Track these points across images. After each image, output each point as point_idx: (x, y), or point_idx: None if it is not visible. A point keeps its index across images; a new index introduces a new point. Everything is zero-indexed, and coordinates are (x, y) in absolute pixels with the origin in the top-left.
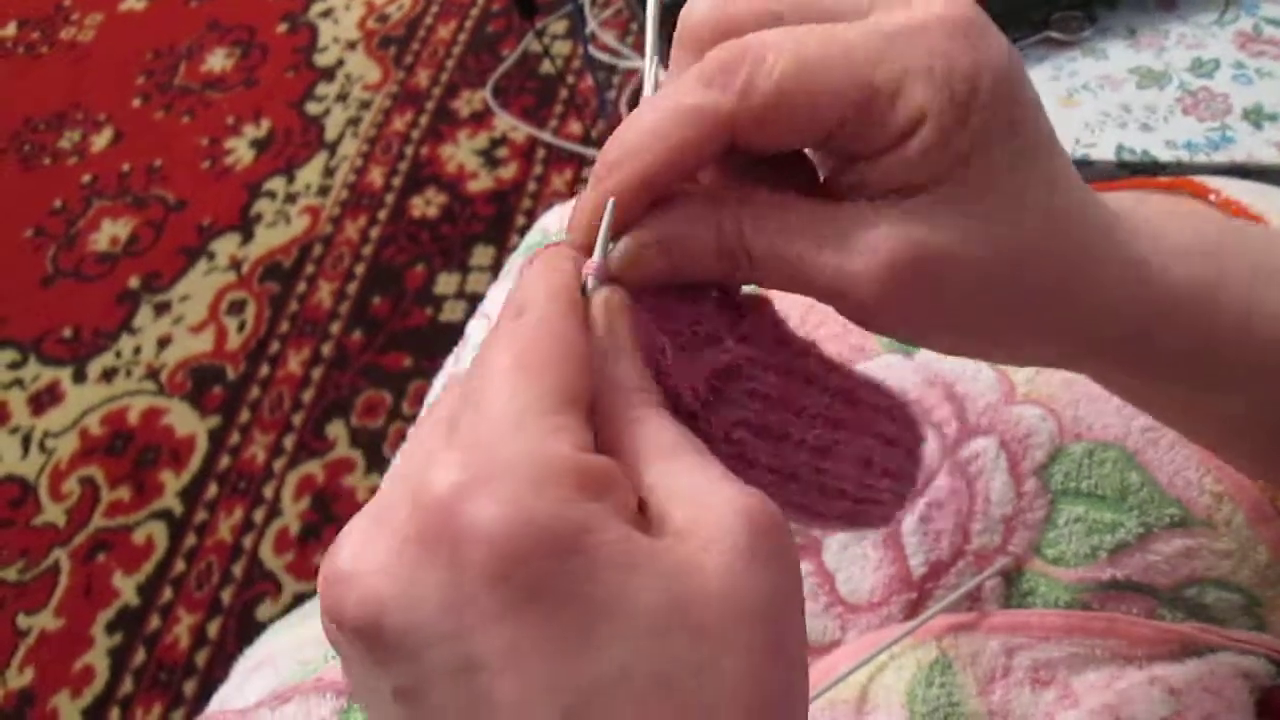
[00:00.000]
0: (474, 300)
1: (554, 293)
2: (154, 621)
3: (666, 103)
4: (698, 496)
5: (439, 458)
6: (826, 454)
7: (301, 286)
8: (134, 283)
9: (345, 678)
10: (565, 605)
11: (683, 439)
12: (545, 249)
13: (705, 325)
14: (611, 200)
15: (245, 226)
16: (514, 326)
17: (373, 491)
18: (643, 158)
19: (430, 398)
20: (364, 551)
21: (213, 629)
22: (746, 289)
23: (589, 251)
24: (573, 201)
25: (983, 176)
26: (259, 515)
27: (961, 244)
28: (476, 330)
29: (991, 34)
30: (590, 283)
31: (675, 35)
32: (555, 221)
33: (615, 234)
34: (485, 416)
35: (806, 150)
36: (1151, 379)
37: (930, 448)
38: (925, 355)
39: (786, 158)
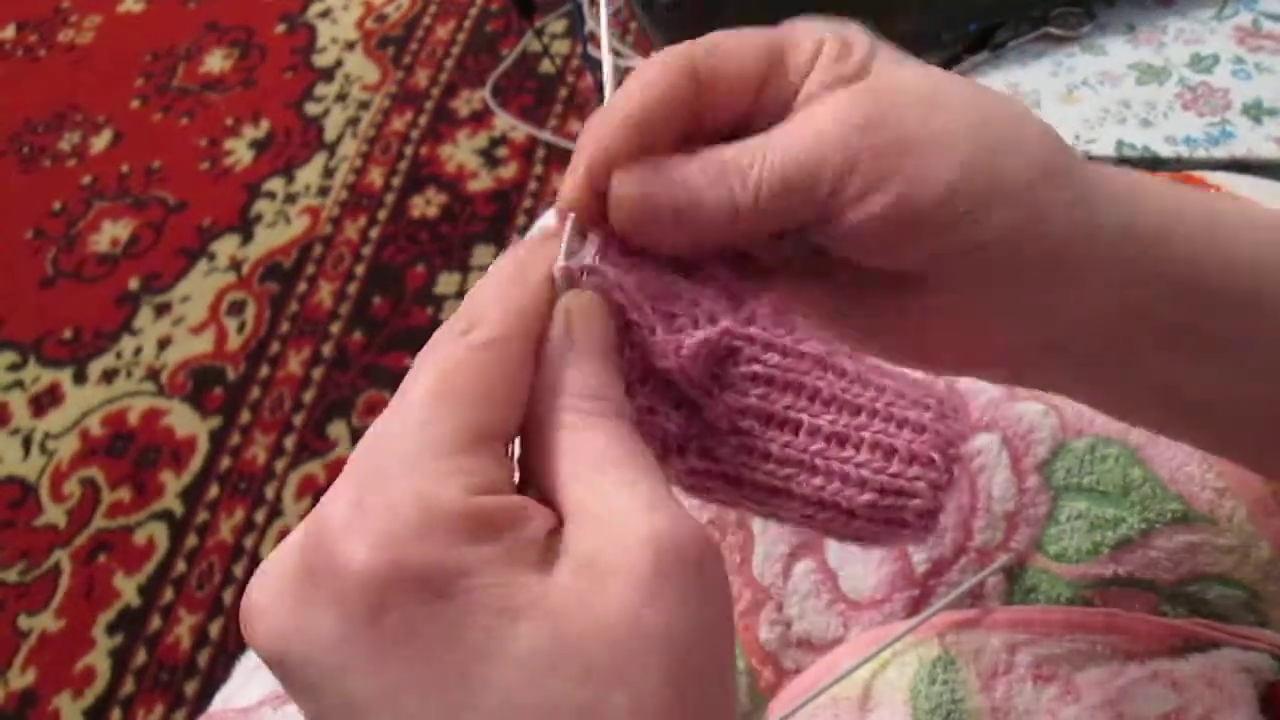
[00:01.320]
0: None
1: (509, 307)
2: (155, 622)
3: (630, 83)
4: (611, 522)
5: (337, 488)
6: (845, 442)
7: (302, 287)
8: (134, 284)
9: None
10: (438, 650)
11: (616, 452)
12: (518, 249)
13: (705, 306)
14: (572, 214)
15: (245, 227)
16: (451, 347)
17: None
18: (628, 105)
19: None
20: (271, 583)
21: (214, 629)
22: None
23: (585, 216)
24: (549, 223)
25: (889, 67)
26: (260, 516)
27: (896, 94)
28: None
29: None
30: (558, 284)
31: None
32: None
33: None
34: (388, 446)
35: None
36: (1145, 365)
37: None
38: None
39: None
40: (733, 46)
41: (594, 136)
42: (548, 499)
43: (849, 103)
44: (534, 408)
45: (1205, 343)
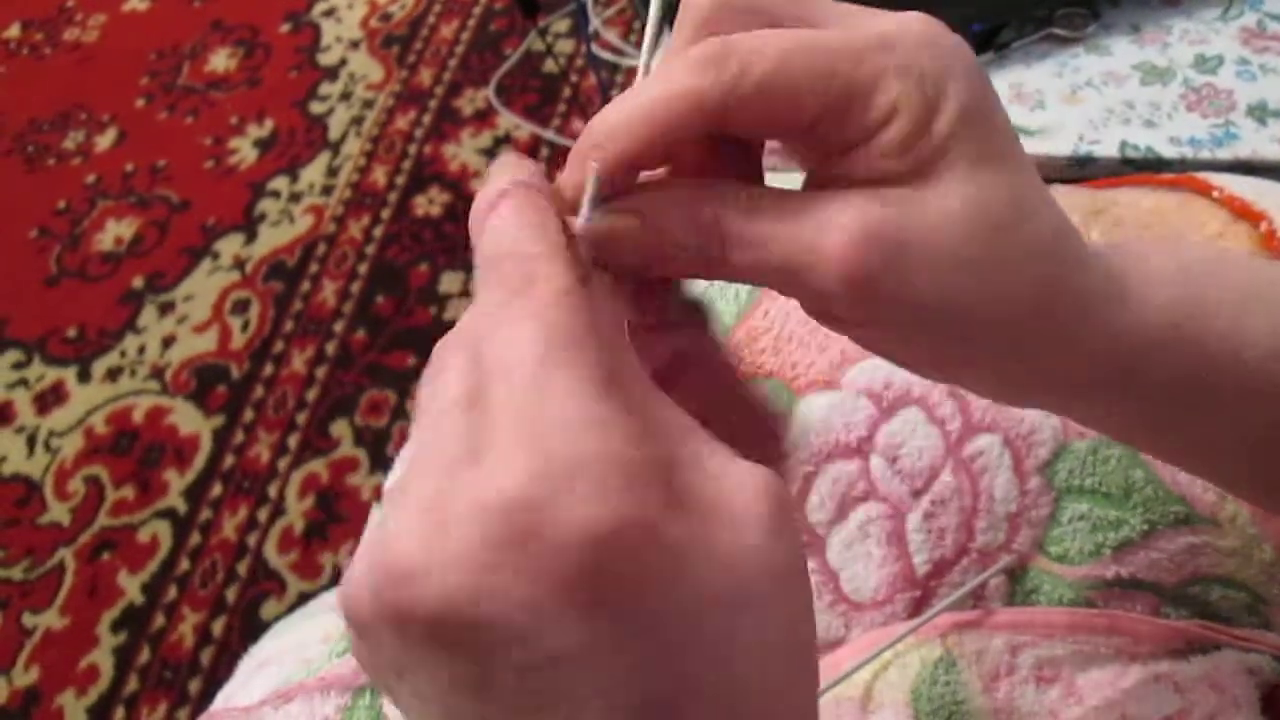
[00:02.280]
0: None
1: (556, 254)
2: (159, 620)
3: (654, 85)
4: (723, 474)
5: (500, 456)
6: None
7: (305, 286)
8: (138, 282)
9: (370, 669)
10: (642, 599)
11: (687, 415)
12: (509, 194)
13: (671, 314)
14: (594, 171)
15: (249, 226)
16: (531, 301)
17: (377, 491)
18: (629, 133)
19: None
20: (433, 548)
21: (217, 627)
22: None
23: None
24: (524, 163)
25: (950, 175)
26: (263, 514)
27: (928, 229)
28: None
29: (960, 49)
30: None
31: (677, 22)
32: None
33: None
34: (533, 409)
35: (788, 152)
36: (1137, 412)
37: (934, 445)
38: None
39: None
40: (788, 80)
41: (596, 143)
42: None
43: (866, 233)
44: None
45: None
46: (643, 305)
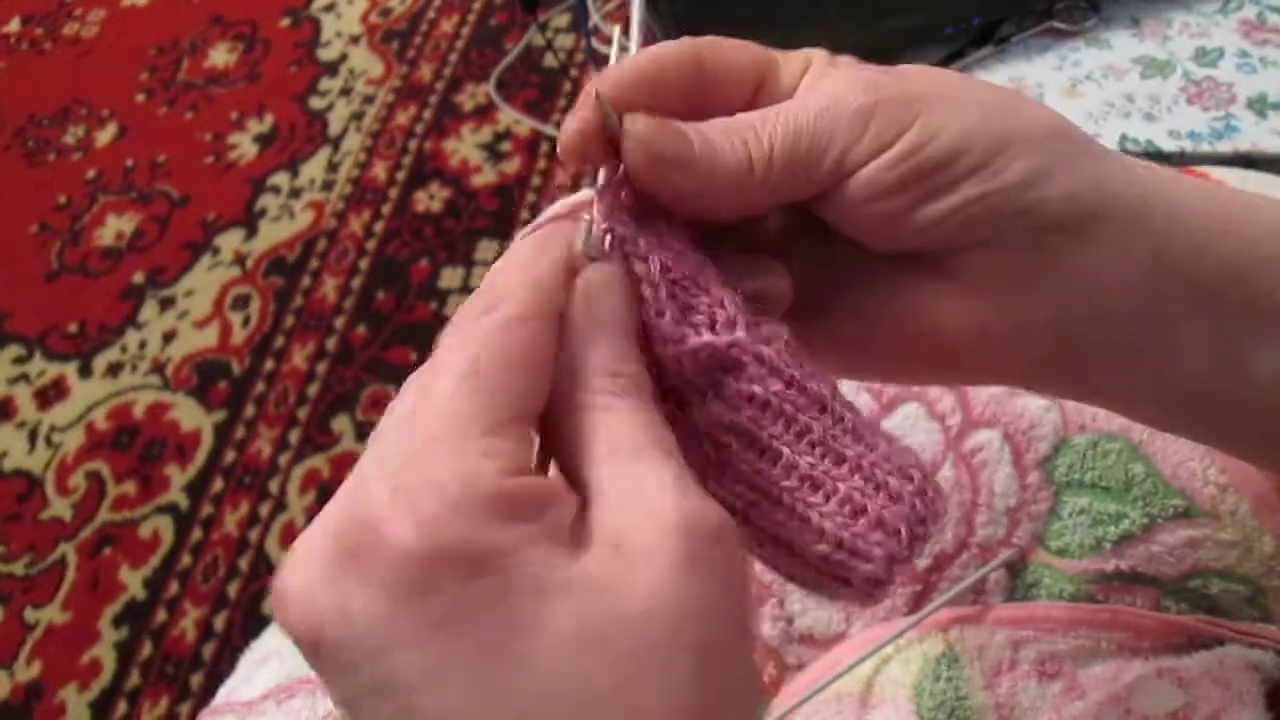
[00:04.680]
0: None
1: (530, 284)
2: (160, 615)
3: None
4: (638, 504)
5: (368, 471)
6: (818, 488)
7: (306, 281)
8: (139, 278)
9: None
10: (480, 628)
11: (641, 433)
12: (537, 229)
13: (727, 311)
14: (601, 177)
15: (249, 221)
16: (476, 325)
17: None
18: (641, 60)
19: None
20: (305, 565)
21: (219, 622)
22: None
23: (590, 153)
24: (576, 196)
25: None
26: (265, 509)
27: (911, 73)
28: None
29: None
30: (583, 250)
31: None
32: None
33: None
34: (425, 428)
35: None
36: (1205, 333)
37: (934, 440)
38: None
39: None
40: (732, 46)
41: (606, 78)
42: (570, 479)
43: (857, 71)
44: (556, 386)
45: (1232, 310)
46: (701, 293)
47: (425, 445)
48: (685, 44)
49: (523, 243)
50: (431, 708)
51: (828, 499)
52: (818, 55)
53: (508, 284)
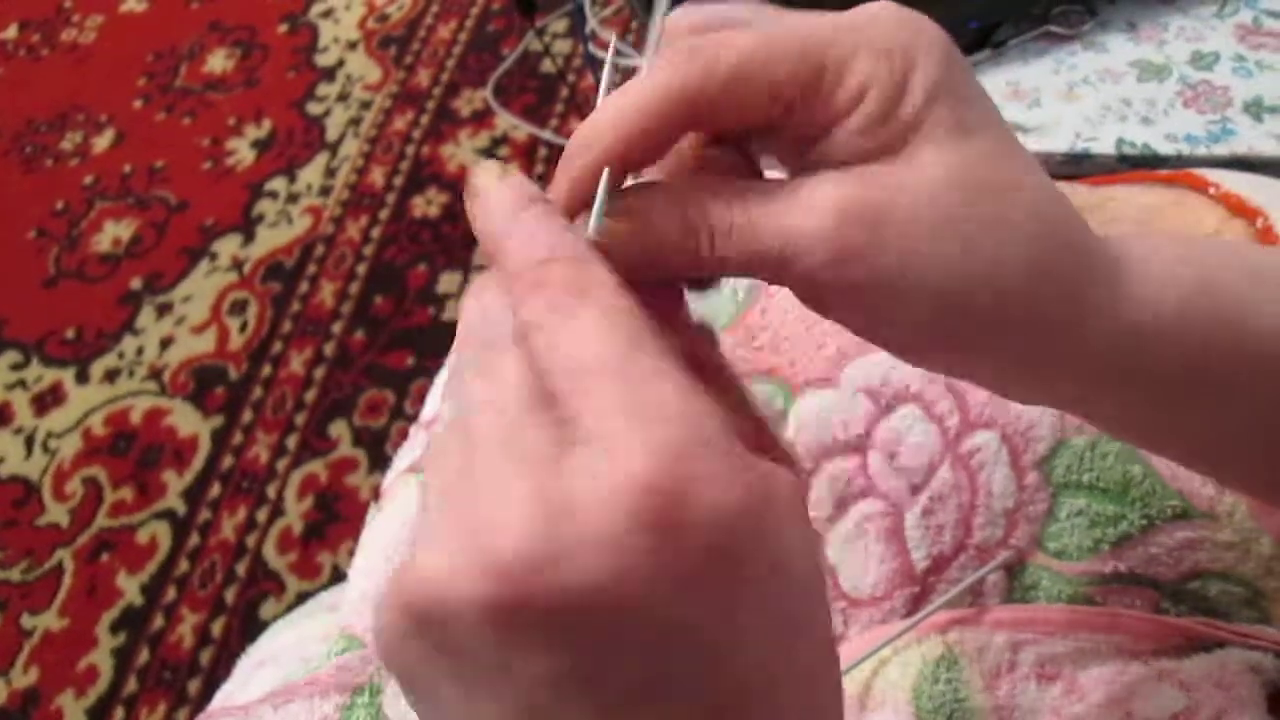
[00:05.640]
0: None
1: (597, 257)
2: (158, 621)
3: (634, 85)
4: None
5: (615, 444)
6: None
7: (304, 286)
8: (136, 284)
9: (409, 671)
10: (760, 570)
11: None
12: (535, 201)
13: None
14: (606, 171)
15: (247, 227)
16: (596, 301)
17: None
18: (614, 131)
19: (432, 396)
20: (560, 536)
21: (216, 628)
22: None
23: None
24: None
25: (928, 146)
26: (262, 515)
27: (909, 199)
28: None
29: (926, 25)
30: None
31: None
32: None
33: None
34: (634, 399)
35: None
36: (1144, 402)
37: (932, 441)
38: None
39: (744, 167)
40: (760, 65)
41: (584, 145)
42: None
43: (846, 210)
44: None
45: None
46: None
47: (652, 414)
48: (671, 87)
49: (547, 222)
50: (695, 661)
51: None
52: (873, 97)
53: (583, 263)
